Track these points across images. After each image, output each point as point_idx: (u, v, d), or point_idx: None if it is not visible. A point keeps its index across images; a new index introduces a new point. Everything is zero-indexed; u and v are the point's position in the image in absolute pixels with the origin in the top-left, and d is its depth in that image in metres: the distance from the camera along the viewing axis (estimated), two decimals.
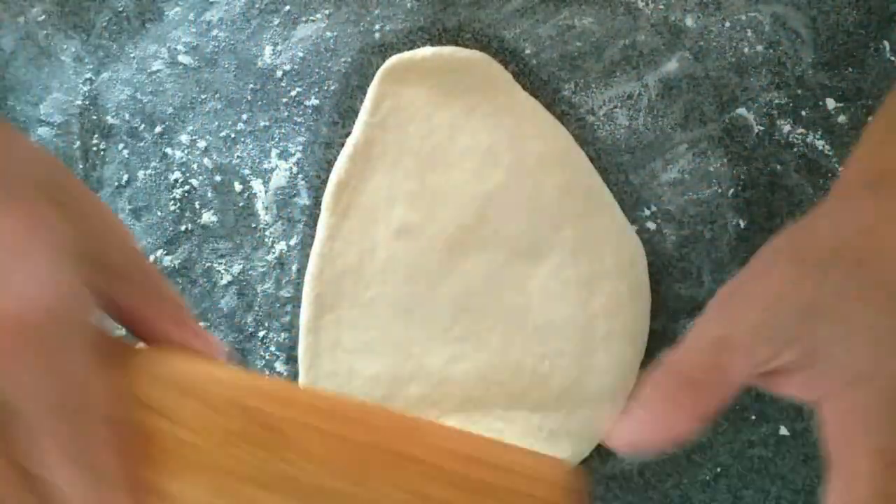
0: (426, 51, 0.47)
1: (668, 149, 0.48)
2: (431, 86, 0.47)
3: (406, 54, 0.47)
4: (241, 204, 0.48)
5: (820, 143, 0.47)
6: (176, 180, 0.48)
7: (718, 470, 0.47)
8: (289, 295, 0.48)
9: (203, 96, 0.49)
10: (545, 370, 0.46)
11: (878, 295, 0.31)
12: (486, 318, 0.46)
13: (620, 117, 0.48)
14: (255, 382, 0.32)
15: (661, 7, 0.48)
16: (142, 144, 0.49)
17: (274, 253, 0.48)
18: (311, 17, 0.49)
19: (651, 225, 0.47)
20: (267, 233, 0.48)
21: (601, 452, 0.46)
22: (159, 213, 0.48)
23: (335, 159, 0.47)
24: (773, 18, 0.48)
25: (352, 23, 0.49)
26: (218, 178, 0.48)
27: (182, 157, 0.48)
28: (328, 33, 0.49)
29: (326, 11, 0.49)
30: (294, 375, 0.47)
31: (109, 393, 0.29)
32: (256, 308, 0.48)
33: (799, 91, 0.47)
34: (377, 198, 0.47)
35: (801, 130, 0.47)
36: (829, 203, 0.35)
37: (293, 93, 0.48)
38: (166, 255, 0.48)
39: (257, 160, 0.48)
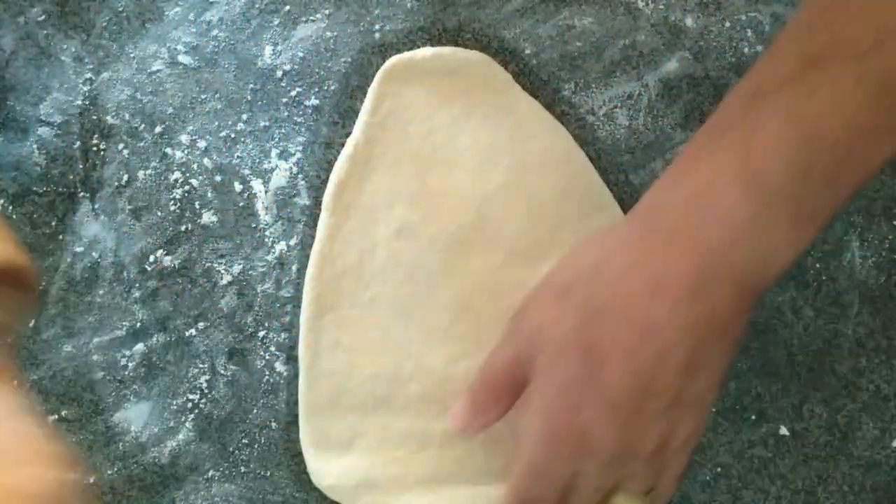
0: (426, 51, 0.47)
1: (668, 149, 0.48)
2: (431, 86, 0.47)
3: (406, 54, 0.47)
4: (241, 204, 0.48)
5: None
6: (176, 180, 0.48)
7: (718, 470, 0.47)
8: (289, 295, 0.48)
9: (203, 96, 0.49)
10: None
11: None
12: (486, 318, 0.46)
13: (620, 117, 0.48)
14: None
15: (661, 7, 0.48)
16: (142, 144, 0.49)
17: (274, 253, 0.48)
18: (311, 17, 0.49)
19: None
20: (267, 233, 0.48)
21: None
22: (159, 213, 0.48)
23: (335, 159, 0.47)
24: (773, 18, 0.48)
25: (352, 23, 0.49)
26: (218, 178, 0.48)
27: (182, 157, 0.48)
28: (328, 33, 0.49)
29: (326, 11, 0.49)
30: (294, 375, 0.47)
31: None
32: (256, 308, 0.48)
33: None
34: (377, 198, 0.47)
35: None
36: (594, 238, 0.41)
37: (293, 93, 0.48)
38: (166, 255, 0.48)
39: (257, 160, 0.48)
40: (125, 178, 0.48)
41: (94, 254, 0.48)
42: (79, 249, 0.48)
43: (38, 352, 0.47)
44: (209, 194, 0.48)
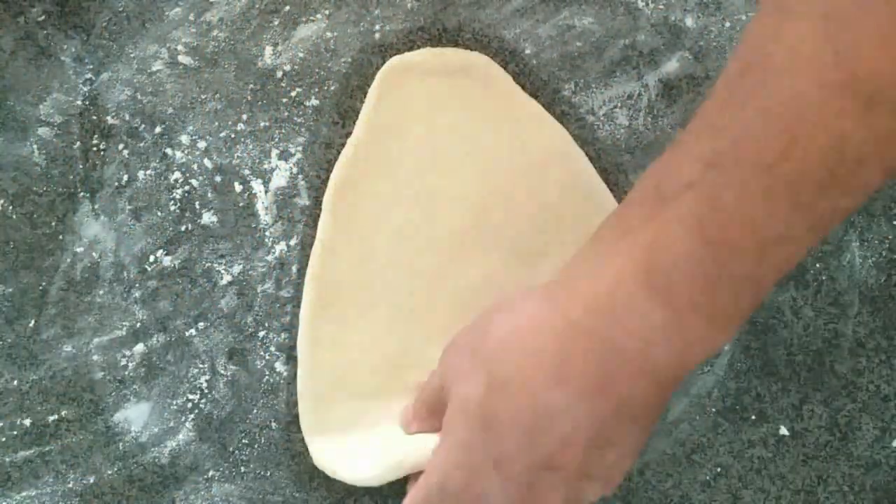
0: (426, 51, 0.47)
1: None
2: (431, 86, 0.47)
3: (406, 55, 0.47)
4: (241, 204, 0.48)
5: None
6: (176, 180, 0.48)
7: (718, 470, 0.47)
8: (289, 295, 0.48)
9: (203, 96, 0.49)
10: None
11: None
12: None
13: (620, 117, 0.48)
14: None
15: (661, 7, 0.48)
16: (142, 145, 0.49)
17: (274, 253, 0.48)
18: (312, 18, 0.49)
19: None
20: (267, 233, 0.48)
21: None
22: (159, 213, 0.48)
23: (335, 159, 0.47)
24: None
25: (352, 23, 0.49)
26: (218, 178, 0.48)
27: (182, 158, 0.48)
28: (328, 33, 0.49)
29: (326, 12, 0.49)
30: (294, 375, 0.47)
31: None
32: (256, 308, 0.48)
33: None
34: (377, 198, 0.47)
35: None
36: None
37: (293, 93, 0.48)
38: (166, 255, 0.48)
39: (257, 160, 0.48)
40: (125, 178, 0.48)
41: (94, 254, 0.48)
42: (79, 249, 0.48)
43: (38, 352, 0.47)
44: (209, 194, 0.48)
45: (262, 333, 0.48)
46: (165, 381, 0.47)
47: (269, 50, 0.49)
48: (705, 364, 0.47)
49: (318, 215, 0.47)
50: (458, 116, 0.47)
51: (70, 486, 0.47)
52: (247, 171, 0.48)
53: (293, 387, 0.47)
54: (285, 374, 0.47)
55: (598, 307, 0.35)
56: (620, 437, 0.37)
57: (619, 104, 0.48)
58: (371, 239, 0.47)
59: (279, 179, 0.48)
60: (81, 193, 0.48)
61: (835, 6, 0.29)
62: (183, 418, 0.47)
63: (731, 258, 0.32)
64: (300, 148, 0.48)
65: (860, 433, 0.47)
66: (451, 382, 0.40)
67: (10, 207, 0.48)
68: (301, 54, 0.49)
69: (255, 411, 0.47)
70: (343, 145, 0.47)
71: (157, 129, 0.49)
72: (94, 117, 0.49)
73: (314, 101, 0.48)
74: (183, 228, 0.48)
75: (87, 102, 0.49)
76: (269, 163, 0.48)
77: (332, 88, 0.48)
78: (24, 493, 0.46)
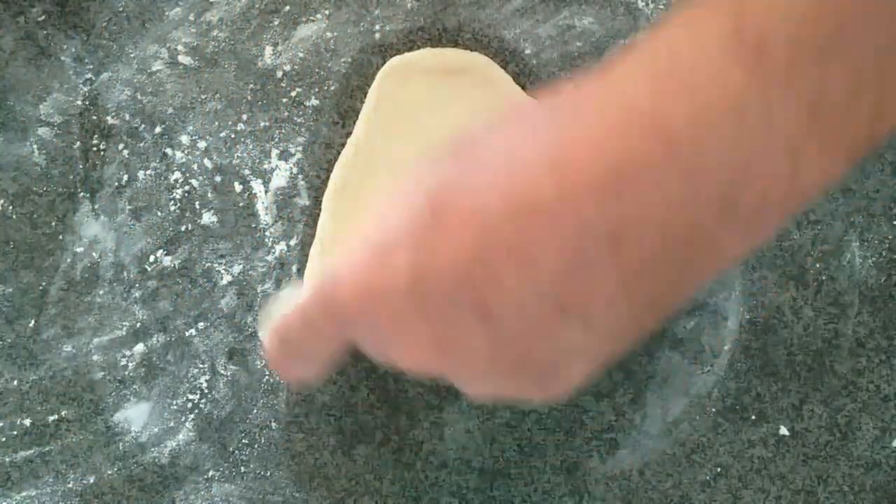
0: (426, 52, 0.47)
1: None
2: (431, 86, 0.47)
3: (406, 55, 0.47)
4: (241, 204, 0.48)
5: None
6: (176, 180, 0.48)
7: (718, 470, 0.47)
8: None
9: (203, 96, 0.49)
10: None
11: None
12: None
13: None
14: None
15: (661, 7, 0.48)
16: (142, 144, 0.49)
17: (274, 253, 0.48)
18: (312, 18, 0.49)
19: None
20: (267, 233, 0.48)
21: (601, 452, 0.46)
22: (159, 214, 0.48)
23: (335, 159, 0.47)
24: None
25: (352, 23, 0.49)
26: (218, 178, 0.48)
27: (182, 158, 0.48)
28: (328, 33, 0.49)
29: (326, 12, 0.49)
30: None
31: None
32: (256, 308, 0.48)
33: None
34: (377, 198, 0.47)
35: None
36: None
37: (293, 93, 0.48)
38: (166, 255, 0.48)
39: (257, 160, 0.48)
40: (125, 178, 0.48)
41: (94, 254, 0.48)
42: (79, 249, 0.48)
43: (38, 352, 0.47)
44: (209, 194, 0.48)
45: (262, 333, 0.48)
46: (165, 381, 0.47)
47: (269, 50, 0.49)
48: (705, 364, 0.47)
49: (318, 215, 0.47)
50: (459, 116, 0.47)
51: (70, 486, 0.47)
52: (247, 171, 0.48)
53: (293, 386, 0.47)
54: None
55: (658, 73, 0.25)
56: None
57: None
58: None
59: (279, 179, 0.48)
60: (81, 193, 0.48)
61: None
62: (183, 418, 0.47)
63: None
64: (300, 148, 0.48)
65: (860, 433, 0.47)
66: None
67: (10, 207, 0.48)
68: (301, 54, 0.49)
69: (255, 411, 0.47)
70: (343, 145, 0.47)
71: (157, 129, 0.49)
72: (94, 117, 0.49)
73: (314, 101, 0.48)
74: (183, 228, 0.48)
75: (87, 102, 0.49)
76: (269, 163, 0.48)
77: (332, 88, 0.48)
78: (24, 493, 0.46)
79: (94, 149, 0.49)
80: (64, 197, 0.48)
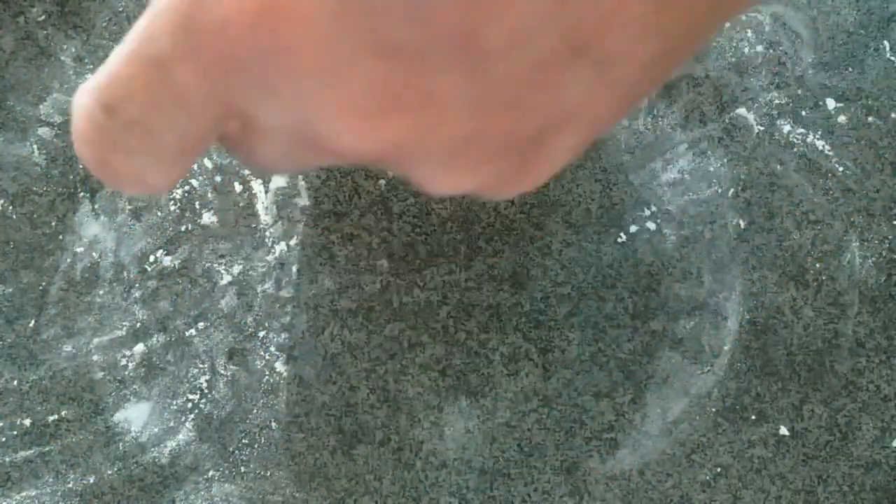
0: None
1: (668, 149, 0.48)
2: None
3: None
4: (241, 204, 0.48)
5: (820, 143, 0.47)
6: None
7: (718, 470, 0.47)
8: (289, 295, 0.48)
9: None
10: None
11: None
12: None
13: None
14: None
15: None
16: None
17: (274, 253, 0.48)
18: None
19: (651, 225, 0.47)
20: (267, 233, 0.48)
21: (601, 452, 0.46)
22: (159, 213, 0.48)
23: None
24: (773, 18, 0.48)
25: None
26: (218, 178, 0.48)
27: None
28: None
29: None
30: (294, 376, 0.47)
31: None
32: (256, 308, 0.48)
33: (799, 91, 0.47)
34: None
35: (801, 130, 0.47)
36: None
37: None
38: (166, 255, 0.48)
39: None
40: None
41: (94, 254, 0.48)
42: (79, 249, 0.48)
43: (38, 352, 0.47)
44: (209, 194, 0.48)
45: (262, 333, 0.48)
46: (165, 381, 0.47)
47: None
48: (705, 364, 0.47)
49: (318, 215, 0.47)
50: None
51: (70, 486, 0.47)
52: (247, 171, 0.48)
53: (293, 387, 0.47)
54: (285, 374, 0.47)
55: None
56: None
57: None
58: None
59: (279, 179, 0.48)
60: (81, 193, 0.48)
61: None
62: (183, 418, 0.47)
63: None
64: None
65: (860, 433, 0.47)
66: None
67: (10, 207, 0.48)
68: None
69: (255, 411, 0.47)
70: None
71: None
72: None
73: None
74: (183, 228, 0.48)
75: None
76: None
77: None
78: (24, 493, 0.46)
79: None
80: (64, 197, 0.48)
